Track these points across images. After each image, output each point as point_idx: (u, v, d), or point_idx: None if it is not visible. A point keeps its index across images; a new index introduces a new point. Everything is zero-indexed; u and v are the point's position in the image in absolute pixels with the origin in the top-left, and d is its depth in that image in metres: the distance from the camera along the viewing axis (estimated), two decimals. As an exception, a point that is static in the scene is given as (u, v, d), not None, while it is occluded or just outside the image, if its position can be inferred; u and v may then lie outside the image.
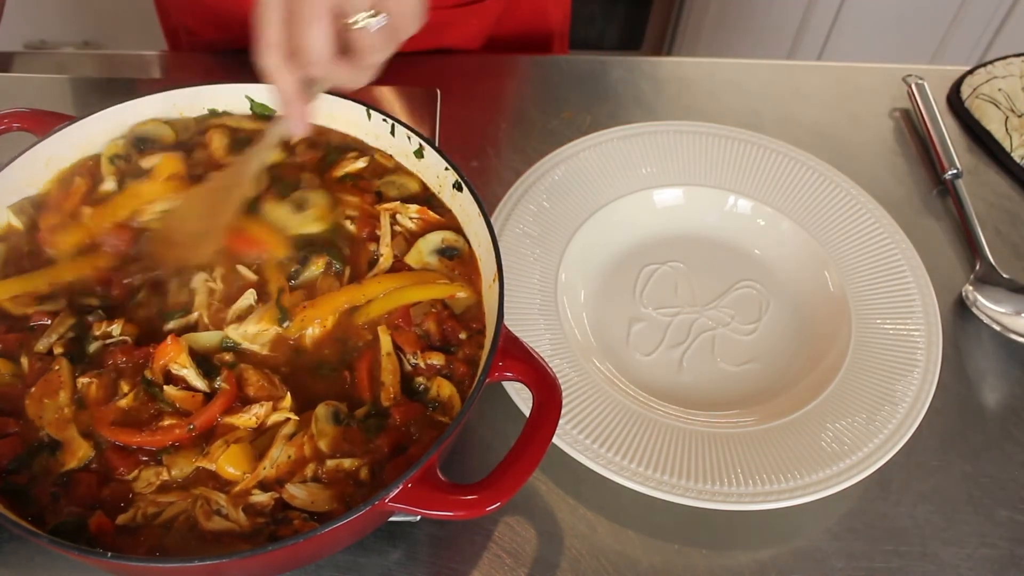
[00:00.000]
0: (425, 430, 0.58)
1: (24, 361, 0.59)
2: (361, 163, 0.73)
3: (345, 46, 0.57)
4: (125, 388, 0.59)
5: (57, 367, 0.59)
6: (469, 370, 0.61)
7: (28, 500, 0.54)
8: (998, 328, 0.80)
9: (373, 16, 0.56)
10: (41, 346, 0.60)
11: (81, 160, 0.71)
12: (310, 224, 0.68)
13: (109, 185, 0.69)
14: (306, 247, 0.67)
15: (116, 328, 0.61)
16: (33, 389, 0.58)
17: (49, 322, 0.61)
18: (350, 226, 0.69)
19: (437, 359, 0.61)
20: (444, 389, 0.60)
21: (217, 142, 0.73)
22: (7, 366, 0.59)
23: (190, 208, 0.66)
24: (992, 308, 0.81)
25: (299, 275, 0.66)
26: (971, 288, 0.83)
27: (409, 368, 0.62)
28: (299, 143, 0.74)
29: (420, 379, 0.61)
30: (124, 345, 0.60)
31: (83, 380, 0.59)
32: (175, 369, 0.59)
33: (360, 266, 0.67)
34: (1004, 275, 0.83)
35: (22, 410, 0.57)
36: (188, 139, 0.73)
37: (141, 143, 0.72)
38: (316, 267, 0.66)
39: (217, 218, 0.65)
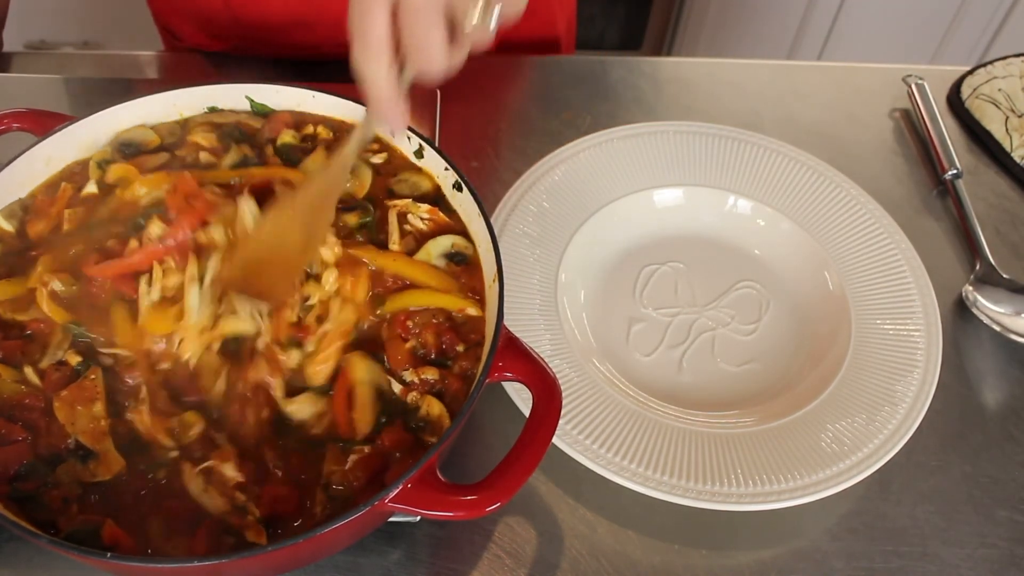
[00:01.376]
0: (408, 455, 0.57)
1: (28, 370, 0.58)
2: (378, 158, 0.72)
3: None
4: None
5: (93, 376, 0.58)
6: (463, 386, 0.60)
7: (37, 505, 0.53)
8: (998, 328, 0.80)
9: (485, 13, 0.55)
10: (46, 363, 0.59)
11: (72, 164, 0.70)
12: (348, 191, 0.70)
13: (91, 188, 0.68)
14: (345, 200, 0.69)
15: None
16: (64, 392, 0.57)
17: (45, 328, 0.60)
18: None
19: (431, 374, 0.60)
20: (433, 408, 0.58)
21: (204, 138, 0.72)
22: (8, 372, 0.58)
23: (280, 222, 0.63)
24: (992, 308, 0.81)
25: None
26: (971, 288, 0.83)
27: (401, 387, 0.60)
28: (319, 129, 0.74)
29: (413, 395, 0.59)
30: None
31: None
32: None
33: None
34: (1004, 275, 0.83)
35: (33, 419, 0.56)
36: (173, 142, 0.73)
37: (126, 147, 0.71)
38: (351, 218, 0.67)
39: (314, 227, 0.62)
